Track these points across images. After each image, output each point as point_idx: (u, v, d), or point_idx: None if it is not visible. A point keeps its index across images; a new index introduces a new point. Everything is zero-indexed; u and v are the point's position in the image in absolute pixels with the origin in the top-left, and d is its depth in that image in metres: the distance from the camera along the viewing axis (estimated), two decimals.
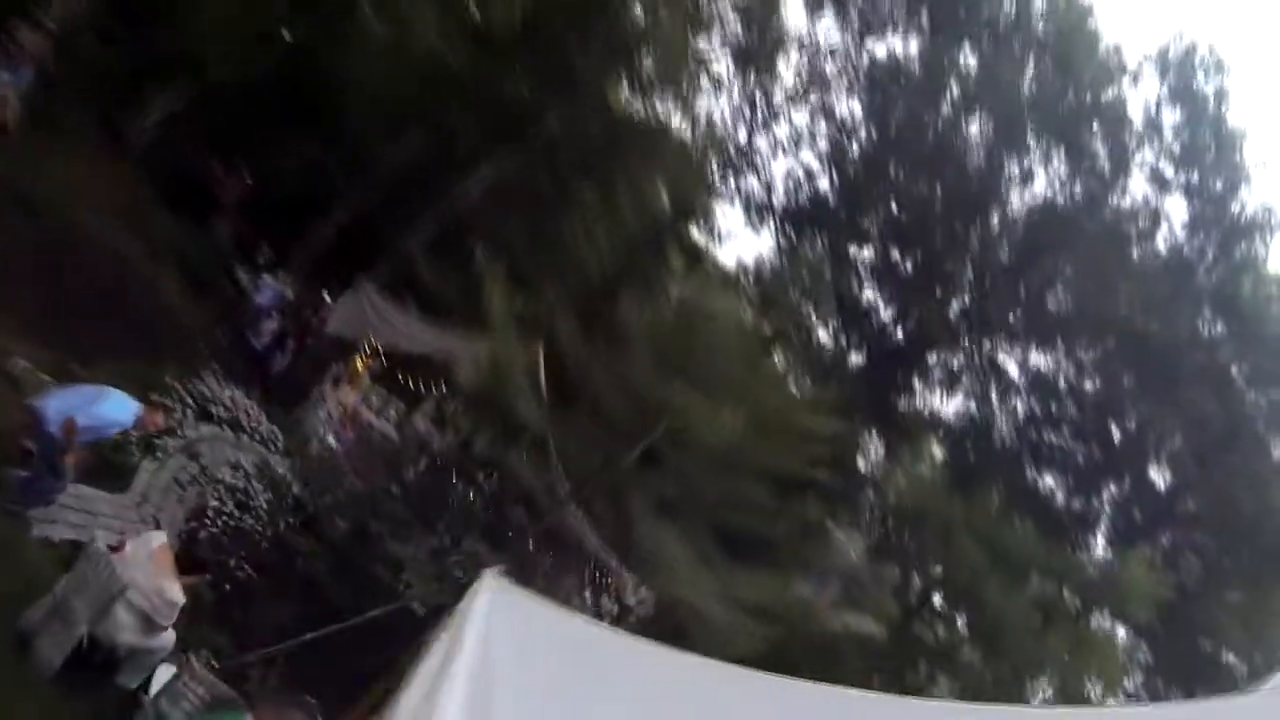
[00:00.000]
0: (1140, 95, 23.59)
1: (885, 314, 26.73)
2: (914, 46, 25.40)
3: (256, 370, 15.52)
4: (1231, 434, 21.62)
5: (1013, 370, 26.60)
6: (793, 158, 27.10)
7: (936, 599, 25.11)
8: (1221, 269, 22.35)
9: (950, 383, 27.21)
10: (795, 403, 12.44)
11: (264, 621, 8.14)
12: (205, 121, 16.96)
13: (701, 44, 23.84)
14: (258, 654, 7.31)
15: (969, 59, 24.58)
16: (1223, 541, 22.31)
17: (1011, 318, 25.20)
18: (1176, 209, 23.50)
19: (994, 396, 26.70)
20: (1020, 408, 26.70)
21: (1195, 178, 22.64)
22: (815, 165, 26.96)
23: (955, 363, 26.76)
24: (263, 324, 16.73)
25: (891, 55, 25.61)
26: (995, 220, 25.05)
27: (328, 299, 18.09)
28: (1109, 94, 22.89)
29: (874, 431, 26.27)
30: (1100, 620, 22.35)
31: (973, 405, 27.15)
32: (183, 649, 6.49)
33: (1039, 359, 26.04)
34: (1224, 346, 22.85)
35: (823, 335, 27.14)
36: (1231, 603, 21.35)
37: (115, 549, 7.19)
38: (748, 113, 26.73)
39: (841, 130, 26.65)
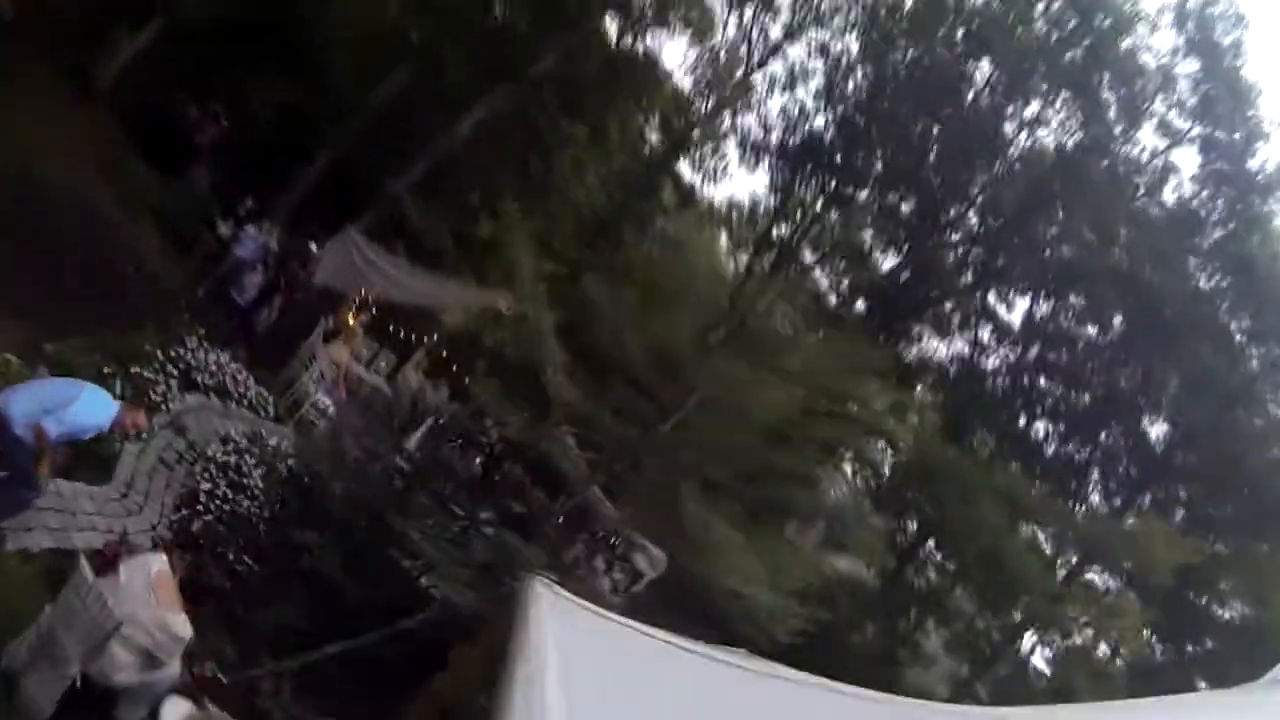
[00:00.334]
0: (1157, 44, 22.88)
1: (885, 261, 26.24)
2: None
3: (241, 328, 14.76)
4: (1230, 388, 21.50)
5: (1011, 317, 26.37)
6: (789, 95, 26.16)
7: (930, 544, 25.27)
8: (1232, 225, 21.90)
9: (945, 329, 26.95)
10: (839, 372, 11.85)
11: (270, 622, 7.62)
12: (177, 63, 15.86)
13: None
14: (268, 667, 6.84)
15: None
16: (1218, 495, 22.42)
17: (1015, 267, 24.72)
18: (1187, 163, 23.04)
19: (992, 342, 26.52)
20: (1014, 356, 26.55)
21: (1209, 130, 22.01)
22: (810, 104, 26.09)
23: (953, 309, 26.39)
24: (246, 278, 15.83)
25: None
26: (998, 166, 24.37)
27: (314, 249, 17.24)
28: (1125, 42, 22.02)
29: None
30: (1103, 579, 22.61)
31: (967, 351, 27.01)
32: (191, 677, 5.97)
33: (1039, 307, 25.74)
34: (1227, 300, 22.60)
35: (822, 281, 26.67)
36: (1228, 557, 21.54)
37: (103, 556, 6.66)
38: (744, 50, 25.62)
39: (837, 68, 25.67)
